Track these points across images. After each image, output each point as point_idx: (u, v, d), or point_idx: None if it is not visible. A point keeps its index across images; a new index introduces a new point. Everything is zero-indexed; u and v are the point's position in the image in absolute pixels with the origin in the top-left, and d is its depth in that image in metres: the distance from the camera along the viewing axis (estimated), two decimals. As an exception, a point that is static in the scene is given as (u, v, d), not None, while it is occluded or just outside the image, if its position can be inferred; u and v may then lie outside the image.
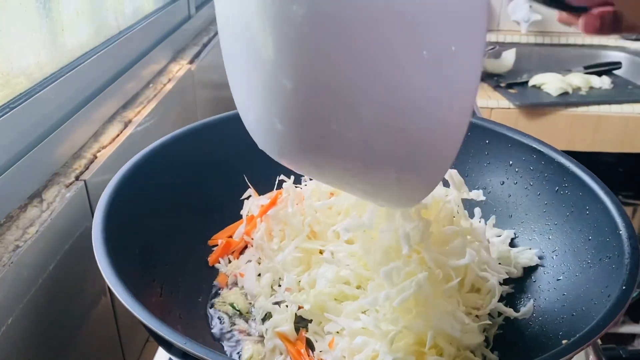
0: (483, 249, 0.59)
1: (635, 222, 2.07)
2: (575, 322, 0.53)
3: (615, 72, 1.83)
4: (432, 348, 0.50)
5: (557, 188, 0.66)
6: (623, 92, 1.70)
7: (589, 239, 0.59)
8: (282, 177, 0.73)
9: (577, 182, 0.63)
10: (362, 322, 0.53)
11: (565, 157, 0.66)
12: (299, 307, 0.60)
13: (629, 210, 2.04)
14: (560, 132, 1.63)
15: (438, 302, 0.52)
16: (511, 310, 0.59)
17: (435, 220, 0.58)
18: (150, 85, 0.92)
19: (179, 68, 1.02)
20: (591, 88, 1.70)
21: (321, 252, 0.64)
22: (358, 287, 0.59)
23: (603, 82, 1.71)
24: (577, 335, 0.42)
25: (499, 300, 0.61)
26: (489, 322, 0.56)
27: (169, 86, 0.94)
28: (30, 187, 0.62)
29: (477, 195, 0.69)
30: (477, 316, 0.56)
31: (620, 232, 0.54)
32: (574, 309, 0.55)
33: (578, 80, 1.69)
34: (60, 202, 0.62)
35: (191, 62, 1.07)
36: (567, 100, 1.63)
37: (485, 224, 0.70)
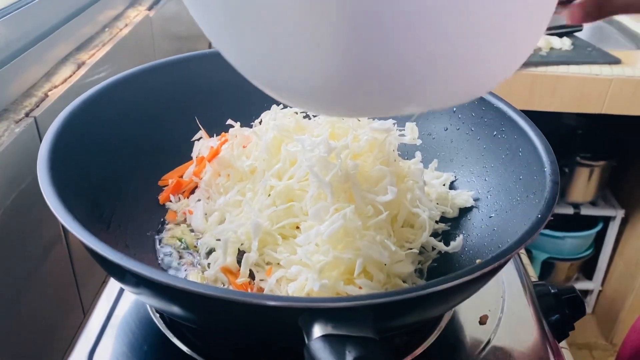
0: (417, 188, 0.62)
1: (592, 182, 2.12)
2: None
3: (577, 34, 1.86)
4: (361, 274, 0.53)
5: (495, 132, 0.69)
6: (582, 54, 1.73)
7: (520, 178, 0.62)
8: (229, 121, 0.74)
9: (513, 126, 0.66)
10: (297, 255, 0.56)
11: (504, 102, 0.68)
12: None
13: (585, 171, 2.09)
14: (520, 91, 1.65)
15: (367, 232, 0.54)
16: (442, 244, 0.62)
17: (367, 162, 0.60)
18: (106, 29, 0.92)
19: (137, 14, 1.02)
20: (551, 49, 1.73)
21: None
22: (297, 228, 0.62)
23: (563, 43, 1.74)
24: (490, 256, 0.45)
25: (435, 236, 0.64)
26: (416, 251, 0.59)
27: (125, 31, 0.94)
28: (-23, 122, 0.62)
29: (412, 139, 0.72)
30: (410, 249, 0.59)
31: (545, 169, 0.57)
32: (500, 242, 0.59)
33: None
34: (9, 137, 0.62)
35: (150, 8, 1.07)
36: (527, 60, 1.66)
37: (427, 167, 0.73)
